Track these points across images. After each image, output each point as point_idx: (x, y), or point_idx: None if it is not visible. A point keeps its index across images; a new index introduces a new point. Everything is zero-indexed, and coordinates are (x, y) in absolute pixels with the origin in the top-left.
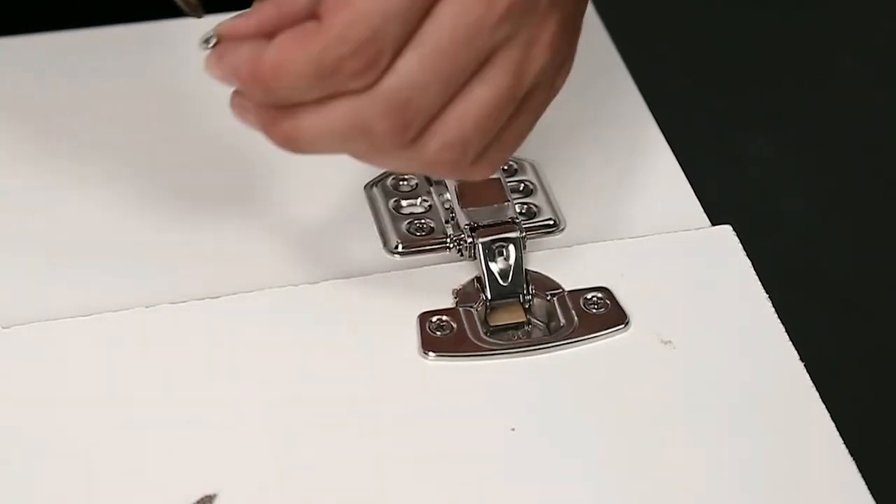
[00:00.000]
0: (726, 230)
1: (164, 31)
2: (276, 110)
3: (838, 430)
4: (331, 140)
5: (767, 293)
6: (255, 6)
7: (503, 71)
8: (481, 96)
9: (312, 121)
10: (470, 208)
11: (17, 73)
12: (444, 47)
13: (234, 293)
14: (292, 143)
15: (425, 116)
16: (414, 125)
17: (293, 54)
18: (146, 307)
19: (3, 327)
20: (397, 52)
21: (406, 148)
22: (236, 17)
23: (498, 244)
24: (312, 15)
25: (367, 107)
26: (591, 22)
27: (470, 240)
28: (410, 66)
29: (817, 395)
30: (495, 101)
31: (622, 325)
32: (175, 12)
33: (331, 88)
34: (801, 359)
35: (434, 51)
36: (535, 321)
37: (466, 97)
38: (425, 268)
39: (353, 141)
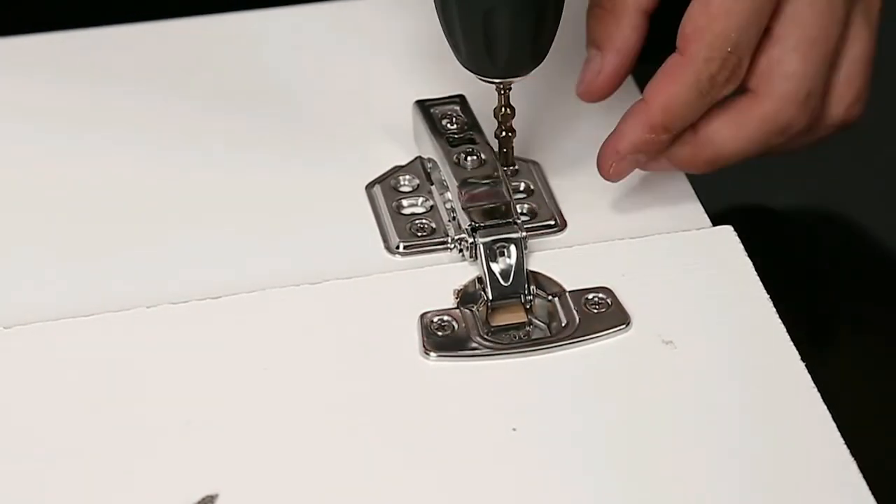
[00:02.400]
0: (726, 230)
1: (167, 31)
2: (691, 147)
3: (838, 429)
4: (752, 147)
5: (767, 293)
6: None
7: (862, 25)
8: (857, 54)
9: (730, 141)
10: (471, 208)
11: (17, 72)
12: (812, 35)
13: (234, 293)
14: (716, 164)
15: (821, 96)
16: (815, 111)
17: (672, 89)
18: (146, 307)
19: (3, 327)
20: (754, 53)
21: (811, 130)
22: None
23: (499, 244)
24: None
25: (779, 110)
26: None
27: (471, 240)
28: (794, 66)
29: (818, 395)
30: (868, 51)
31: (623, 326)
32: (175, 12)
33: (710, 102)
34: (802, 359)
35: (803, 41)
36: (537, 321)
37: (847, 61)
38: (426, 268)
39: (772, 141)
